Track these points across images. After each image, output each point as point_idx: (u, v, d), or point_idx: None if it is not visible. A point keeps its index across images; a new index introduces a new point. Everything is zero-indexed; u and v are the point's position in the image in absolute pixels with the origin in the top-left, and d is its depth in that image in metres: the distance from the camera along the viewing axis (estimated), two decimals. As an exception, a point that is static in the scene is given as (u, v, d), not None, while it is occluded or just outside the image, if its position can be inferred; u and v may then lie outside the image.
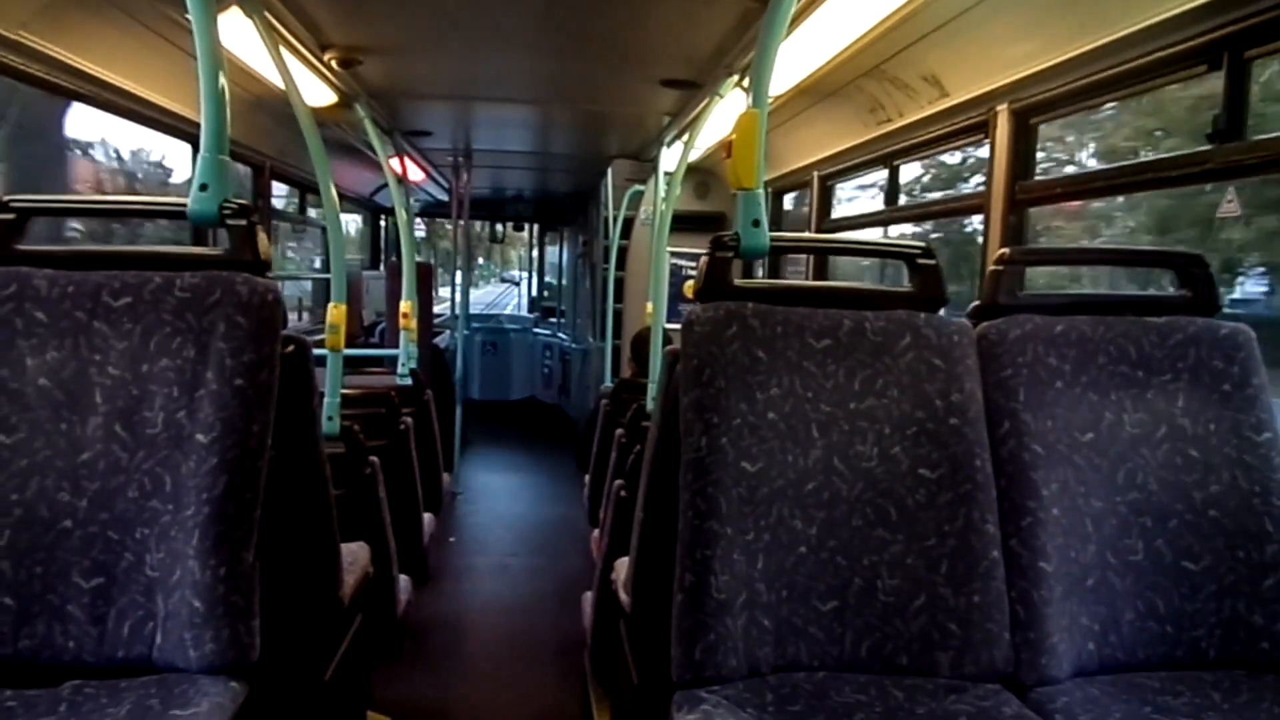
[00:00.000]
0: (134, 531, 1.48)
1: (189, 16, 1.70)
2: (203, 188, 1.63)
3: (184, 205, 1.64)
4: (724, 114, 3.36)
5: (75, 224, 3.40)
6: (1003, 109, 2.60)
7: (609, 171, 5.96)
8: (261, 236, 1.64)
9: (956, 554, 1.59)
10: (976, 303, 1.83)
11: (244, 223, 1.63)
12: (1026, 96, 2.50)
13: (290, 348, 1.64)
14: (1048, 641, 1.58)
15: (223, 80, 1.69)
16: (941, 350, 1.67)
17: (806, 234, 4.38)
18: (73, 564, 1.47)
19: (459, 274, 6.43)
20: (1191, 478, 1.68)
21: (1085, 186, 2.52)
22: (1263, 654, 1.62)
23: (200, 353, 1.51)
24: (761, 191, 1.74)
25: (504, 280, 22.35)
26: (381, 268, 7.12)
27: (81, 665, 1.46)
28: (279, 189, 4.95)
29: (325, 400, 2.75)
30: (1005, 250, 1.84)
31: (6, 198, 1.63)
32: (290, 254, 6.79)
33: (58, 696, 1.37)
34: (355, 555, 2.22)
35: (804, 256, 4.48)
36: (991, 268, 1.83)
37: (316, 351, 1.97)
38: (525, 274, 13.71)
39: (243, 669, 1.47)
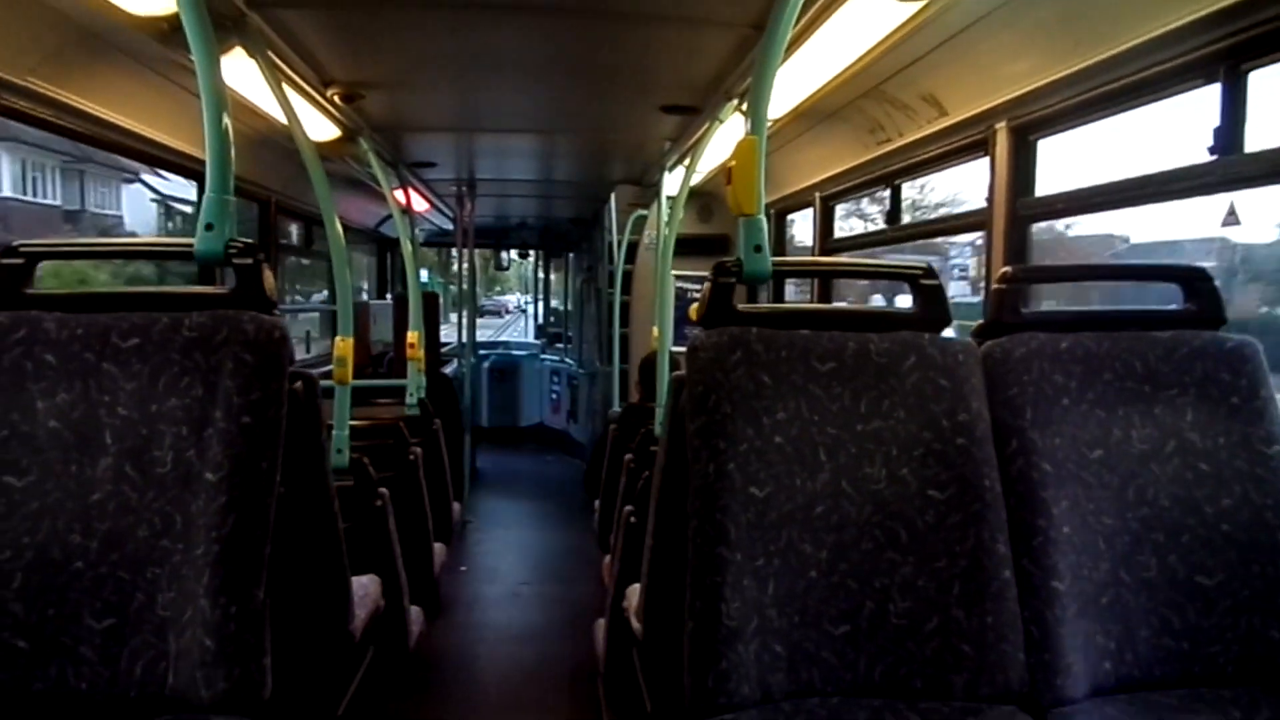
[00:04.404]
0: (145, 571, 1.48)
1: (192, 58, 1.73)
2: (208, 227, 1.65)
3: (190, 245, 1.66)
4: (724, 138, 3.38)
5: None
6: (1001, 126, 2.61)
7: (612, 197, 5.99)
8: (267, 274, 1.65)
9: (968, 575, 1.58)
10: (980, 321, 1.84)
11: (249, 261, 1.64)
12: (1025, 113, 2.51)
13: (298, 384, 1.65)
14: (1063, 661, 1.57)
15: (226, 120, 1.72)
16: (947, 370, 1.67)
17: (808, 257, 4.39)
18: (84, 605, 1.47)
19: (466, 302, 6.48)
20: (1202, 492, 1.67)
21: (1087, 202, 2.52)
22: None
23: (208, 391, 1.52)
24: (763, 217, 1.75)
25: (486, 311, 17.42)
26: (388, 297, 7.16)
27: (95, 706, 1.46)
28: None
29: (334, 433, 2.76)
30: (1007, 269, 1.84)
31: (16, 243, 1.65)
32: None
33: None
34: (366, 588, 2.21)
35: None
36: (995, 286, 1.83)
37: (324, 384, 1.97)
38: (520, 298, 13.38)
39: (255, 706, 1.46)
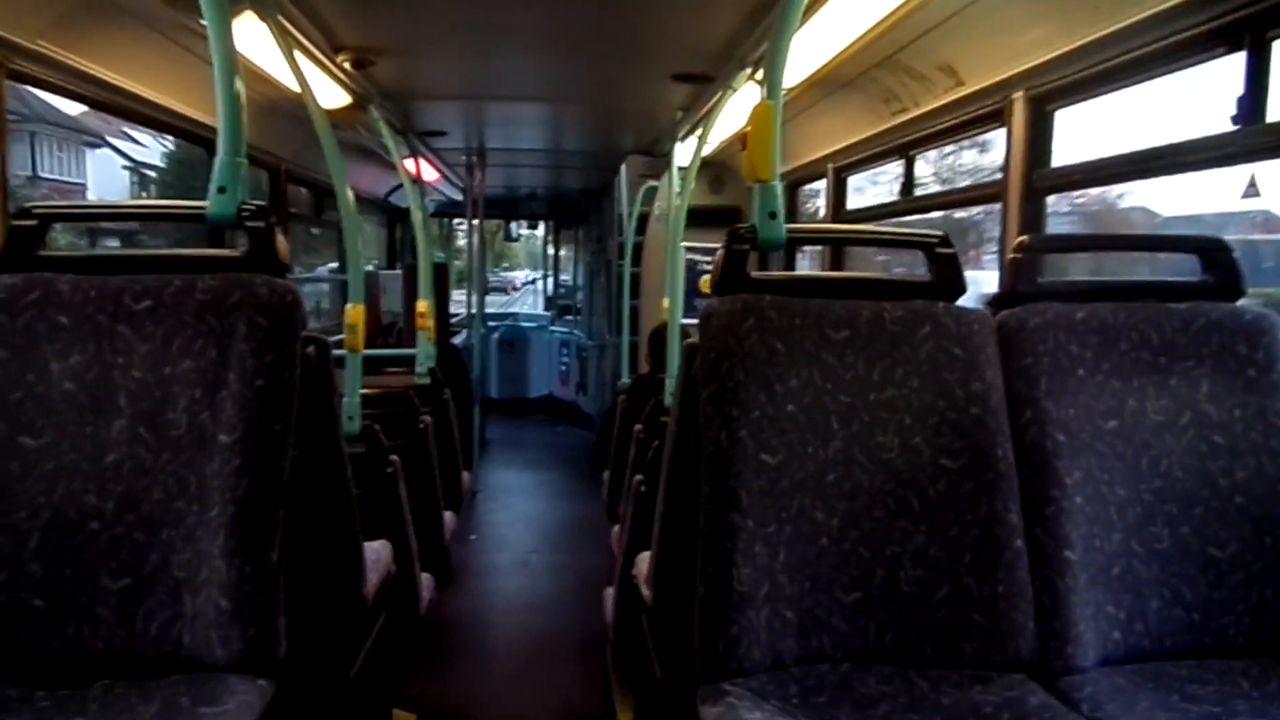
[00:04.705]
0: (160, 532, 1.49)
1: (203, 22, 1.72)
2: (221, 190, 1.65)
3: (203, 208, 1.66)
4: (737, 107, 3.35)
5: None
6: (1018, 96, 2.57)
7: (622, 168, 5.96)
8: (280, 238, 1.65)
9: (979, 544, 1.58)
10: (995, 291, 1.82)
11: (262, 224, 1.64)
12: (1042, 83, 2.48)
13: (310, 348, 1.65)
14: (1073, 630, 1.57)
15: (238, 83, 1.71)
16: (961, 339, 1.66)
17: (823, 225, 4.36)
18: (101, 565, 1.48)
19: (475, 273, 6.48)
20: (1216, 464, 1.67)
21: (1105, 173, 2.49)
22: None
23: (222, 354, 1.52)
24: (778, 184, 1.73)
25: (492, 288, 15.14)
26: (398, 267, 7.16)
27: (111, 665, 1.47)
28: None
29: (345, 400, 2.77)
30: (1023, 238, 1.83)
31: (28, 205, 1.65)
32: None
33: (88, 696, 1.39)
34: (378, 553, 2.23)
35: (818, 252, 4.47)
36: (1010, 256, 1.82)
37: (335, 352, 1.98)
38: (529, 273, 13.16)
39: (269, 667, 1.48)
